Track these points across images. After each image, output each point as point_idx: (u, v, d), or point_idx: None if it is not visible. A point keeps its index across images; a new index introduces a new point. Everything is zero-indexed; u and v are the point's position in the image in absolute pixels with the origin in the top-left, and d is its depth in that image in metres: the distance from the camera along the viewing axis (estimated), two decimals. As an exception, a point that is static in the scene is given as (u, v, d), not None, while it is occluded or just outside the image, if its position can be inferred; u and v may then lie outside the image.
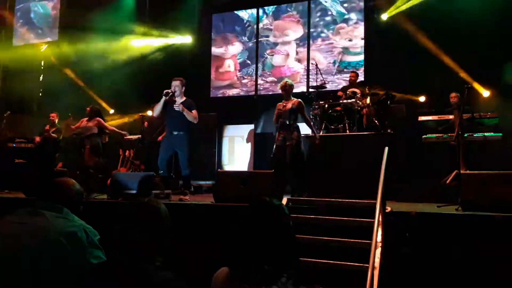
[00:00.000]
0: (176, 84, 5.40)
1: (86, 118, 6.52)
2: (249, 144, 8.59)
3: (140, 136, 7.01)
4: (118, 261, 1.43)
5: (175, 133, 5.36)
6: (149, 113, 7.39)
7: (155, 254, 1.46)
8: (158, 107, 5.40)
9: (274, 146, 5.54)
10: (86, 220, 2.08)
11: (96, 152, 6.34)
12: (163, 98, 5.30)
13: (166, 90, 5.31)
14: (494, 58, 6.63)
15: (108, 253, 1.73)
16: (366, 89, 6.42)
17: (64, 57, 9.72)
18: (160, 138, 6.62)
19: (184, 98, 5.48)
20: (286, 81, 5.68)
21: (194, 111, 5.37)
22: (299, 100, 5.60)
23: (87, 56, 9.38)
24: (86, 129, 6.37)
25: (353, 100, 6.27)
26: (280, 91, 5.76)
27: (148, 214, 1.46)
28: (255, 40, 9.39)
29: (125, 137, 7.08)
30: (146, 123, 7.11)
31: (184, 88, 5.49)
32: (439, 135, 5.78)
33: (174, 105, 5.34)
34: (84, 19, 9.28)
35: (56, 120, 7.76)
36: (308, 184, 5.59)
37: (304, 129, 5.94)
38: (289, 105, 5.50)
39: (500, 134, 5.56)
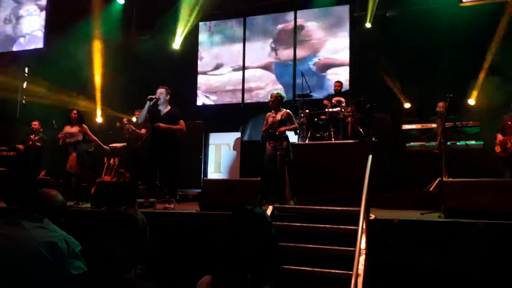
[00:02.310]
0: (161, 92, 5.38)
1: (68, 126, 6.34)
2: (236, 152, 8.59)
3: (125, 144, 6.95)
4: (97, 272, 1.41)
5: (160, 140, 5.33)
6: (134, 119, 7.32)
7: (134, 262, 1.45)
8: (143, 113, 5.38)
9: (265, 156, 5.61)
10: (68, 229, 2.06)
11: (82, 160, 6.23)
12: (147, 103, 5.26)
13: (150, 96, 5.28)
14: (476, 67, 6.78)
15: (90, 264, 1.72)
16: (351, 98, 6.50)
17: (48, 63, 9.59)
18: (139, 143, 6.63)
19: (169, 107, 5.44)
20: (278, 93, 5.74)
21: (180, 122, 5.35)
22: (288, 110, 5.69)
23: (72, 63, 9.28)
24: (71, 135, 6.21)
25: (338, 108, 6.34)
26: (267, 100, 5.82)
27: (124, 222, 1.45)
28: (242, 48, 9.43)
29: (110, 146, 7.01)
30: (118, 123, 7.02)
31: (169, 96, 5.46)
32: (422, 143, 5.88)
33: (149, 97, 5.29)
34: (71, 26, 9.21)
35: (39, 127, 7.63)
36: (295, 192, 5.62)
37: (293, 138, 6.02)
38: (279, 116, 5.60)
39: (482, 142, 5.68)
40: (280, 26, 9.26)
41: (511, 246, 3.63)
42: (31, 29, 10.95)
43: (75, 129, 6.26)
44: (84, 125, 6.36)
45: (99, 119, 9.40)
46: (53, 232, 1.95)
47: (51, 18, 10.58)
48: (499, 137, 5.09)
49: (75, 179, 6.08)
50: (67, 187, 5.93)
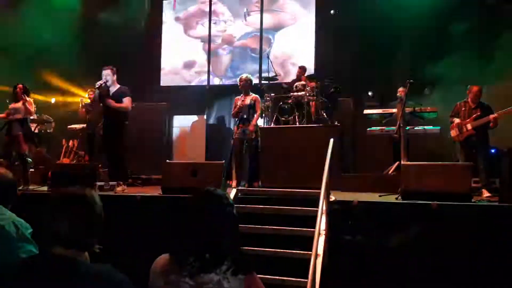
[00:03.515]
0: (106, 73, 5.28)
1: (14, 102, 5.76)
2: (201, 134, 8.49)
3: (85, 125, 6.72)
4: (48, 254, 1.36)
5: (108, 122, 5.28)
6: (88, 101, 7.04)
7: (87, 243, 1.40)
8: (95, 99, 5.37)
9: (233, 139, 5.72)
10: (23, 213, 1.97)
11: (31, 139, 5.87)
12: (96, 91, 5.21)
13: (98, 82, 5.19)
14: (434, 54, 6.98)
15: (41, 247, 1.65)
16: (315, 82, 6.55)
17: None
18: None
19: (118, 86, 5.37)
20: (247, 76, 5.77)
21: (125, 99, 5.27)
22: (257, 96, 5.83)
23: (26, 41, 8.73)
24: (16, 111, 5.66)
25: (303, 93, 6.38)
26: (232, 82, 5.83)
27: (74, 202, 1.40)
28: (208, 28, 9.25)
29: (68, 127, 6.75)
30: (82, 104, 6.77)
31: (115, 76, 5.37)
32: (383, 128, 6.03)
33: (96, 85, 5.21)
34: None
35: None
36: (260, 175, 5.67)
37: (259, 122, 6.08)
38: (247, 100, 5.69)
39: (439, 127, 5.90)
40: None
41: (463, 225, 3.83)
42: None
43: (20, 104, 5.72)
44: (27, 97, 5.76)
45: (52, 100, 8.91)
46: (1, 215, 1.87)
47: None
48: (456, 120, 5.28)
49: (29, 160, 5.74)
50: (20, 170, 5.60)
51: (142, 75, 8.65)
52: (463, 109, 5.31)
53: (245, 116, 5.64)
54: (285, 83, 7.54)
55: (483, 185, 4.87)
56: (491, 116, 5.04)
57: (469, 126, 5.15)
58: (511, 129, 5.42)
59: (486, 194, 4.74)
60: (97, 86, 5.16)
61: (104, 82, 5.18)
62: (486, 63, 6.46)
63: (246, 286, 1.51)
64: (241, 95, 5.81)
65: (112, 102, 5.18)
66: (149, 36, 9.43)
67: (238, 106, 5.72)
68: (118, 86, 5.36)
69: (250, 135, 5.60)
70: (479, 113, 5.13)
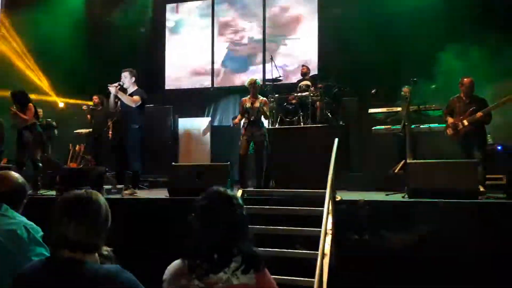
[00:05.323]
0: (125, 75, 5.35)
1: (13, 107, 5.73)
2: (206, 137, 8.52)
3: (91, 130, 6.78)
4: (59, 256, 1.39)
5: (126, 126, 5.31)
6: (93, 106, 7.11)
7: (96, 245, 1.43)
8: (111, 103, 5.38)
9: (241, 141, 5.70)
10: (32, 217, 1.99)
11: (42, 143, 5.92)
12: (111, 94, 5.26)
13: (109, 86, 5.23)
14: (436, 52, 6.96)
15: (52, 249, 1.68)
16: (319, 82, 6.56)
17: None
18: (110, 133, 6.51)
19: (135, 88, 5.44)
20: (256, 80, 5.77)
21: (135, 97, 5.31)
22: (265, 99, 5.82)
23: (31, 44, 8.83)
24: (24, 120, 5.68)
25: (307, 93, 6.39)
26: (238, 84, 5.86)
27: (82, 205, 1.42)
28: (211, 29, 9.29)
29: (74, 132, 6.81)
30: (84, 107, 6.79)
31: (134, 78, 5.42)
32: (388, 127, 6.03)
33: (108, 85, 5.26)
34: (31, 8, 8.71)
35: None
36: (267, 176, 5.70)
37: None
38: (257, 104, 5.67)
39: (444, 125, 5.86)
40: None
41: (471, 223, 3.82)
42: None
43: (27, 111, 5.70)
44: (30, 104, 5.75)
45: (61, 104, 9.01)
46: (12, 219, 1.90)
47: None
48: (450, 119, 5.21)
49: (40, 165, 5.80)
50: (30, 174, 5.66)
51: (146, 78, 8.71)
52: (458, 104, 5.18)
53: (252, 118, 5.64)
54: (290, 83, 7.56)
55: (479, 180, 4.67)
56: (478, 114, 4.92)
57: (465, 122, 5.04)
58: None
59: (481, 189, 4.55)
60: (108, 89, 5.21)
61: (119, 84, 5.24)
62: (495, 60, 6.40)
63: (257, 283, 1.52)
64: (249, 96, 5.78)
65: (123, 95, 5.23)
66: (152, 39, 9.49)
67: (246, 108, 5.68)
68: (136, 88, 5.44)
69: (258, 137, 5.61)
70: (474, 107, 5.02)
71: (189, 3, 9.52)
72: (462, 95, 5.18)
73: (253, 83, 5.73)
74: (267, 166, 5.71)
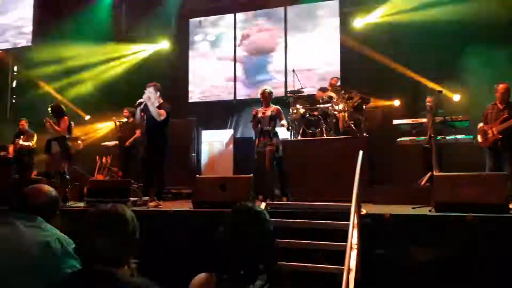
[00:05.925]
0: (149, 90, 5.43)
1: (49, 118, 5.98)
2: (229, 149, 8.59)
3: (117, 142, 6.93)
4: (90, 269, 1.43)
5: (152, 140, 5.41)
6: (124, 119, 7.29)
7: (126, 258, 1.46)
8: (137, 117, 5.53)
9: (255, 152, 5.68)
10: (63, 229, 2.05)
11: (68, 156, 6.07)
12: (138, 109, 5.41)
13: (139, 101, 5.38)
14: (462, 63, 6.84)
15: (84, 262, 1.72)
16: (342, 93, 6.54)
17: (37, 63, 9.49)
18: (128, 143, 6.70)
19: (161, 102, 5.53)
20: (265, 89, 5.82)
21: (161, 111, 5.40)
22: (278, 107, 5.80)
23: (61, 62, 9.20)
24: (57, 131, 5.92)
25: (329, 104, 6.37)
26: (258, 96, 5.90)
27: (111, 219, 1.47)
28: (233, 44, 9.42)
29: (101, 144, 6.98)
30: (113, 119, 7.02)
31: (159, 92, 5.51)
32: (413, 138, 5.92)
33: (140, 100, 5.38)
34: (58, 25, 9.11)
35: (26, 126, 7.56)
36: (288, 189, 5.66)
37: (282, 134, 6.06)
38: (268, 112, 5.67)
39: (471, 136, 5.73)
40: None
41: (500, 238, 3.70)
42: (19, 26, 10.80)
43: (61, 124, 5.98)
44: (65, 117, 6.03)
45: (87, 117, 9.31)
46: (46, 231, 1.94)
47: (39, 14, 10.41)
48: (480, 125, 5.08)
49: (67, 177, 5.98)
50: (61, 187, 5.82)
51: (170, 91, 8.90)
52: (490, 111, 5.07)
53: (265, 129, 5.62)
54: (311, 95, 7.57)
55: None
56: (509, 122, 4.75)
57: (495, 130, 4.89)
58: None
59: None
60: (136, 103, 5.37)
61: (143, 102, 5.34)
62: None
63: None
64: (262, 107, 5.81)
65: (152, 105, 5.31)
66: (177, 52, 9.69)
67: (257, 118, 5.69)
68: (162, 101, 5.52)
69: (271, 148, 5.53)
70: (506, 115, 4.86)
71: (212, 17, 9.70)
72: (497, 101, 5.05)
73: (263, 92, 5.77)
74: (284, 177, 5.66)
